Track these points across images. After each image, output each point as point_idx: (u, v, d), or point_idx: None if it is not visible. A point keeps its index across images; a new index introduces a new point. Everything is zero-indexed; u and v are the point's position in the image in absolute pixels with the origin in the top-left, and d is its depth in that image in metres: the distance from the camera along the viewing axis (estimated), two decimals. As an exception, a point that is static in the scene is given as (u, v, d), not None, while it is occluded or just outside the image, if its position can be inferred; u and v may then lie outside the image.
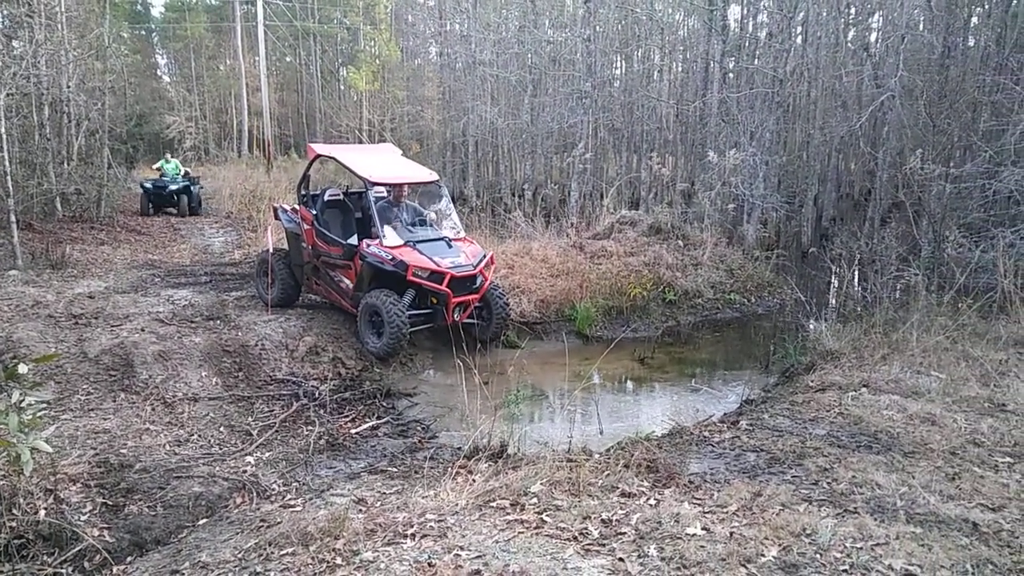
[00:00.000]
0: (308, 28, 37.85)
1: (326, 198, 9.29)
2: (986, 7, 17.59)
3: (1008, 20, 14.20)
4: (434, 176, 9.11)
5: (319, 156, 9.34)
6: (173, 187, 18.46)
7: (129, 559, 4.00)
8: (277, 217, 9.84)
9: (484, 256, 8.63)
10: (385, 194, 9.00)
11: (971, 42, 17.87)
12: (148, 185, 18.36)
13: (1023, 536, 3.45)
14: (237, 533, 4.11)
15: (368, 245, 8.21)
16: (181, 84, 38.89)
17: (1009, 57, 13.04)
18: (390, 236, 8.22)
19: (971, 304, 7.85)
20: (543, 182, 21.66)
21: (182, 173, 19.33)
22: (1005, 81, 11.78)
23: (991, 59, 14.03)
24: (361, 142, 33.38)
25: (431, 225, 9.01)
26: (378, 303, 7.87)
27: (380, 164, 9.03)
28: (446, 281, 8.01)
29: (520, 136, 22.88)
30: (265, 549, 3.63)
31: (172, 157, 20.18)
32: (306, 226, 9.03)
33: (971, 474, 4.28)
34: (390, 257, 7.99)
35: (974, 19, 18.19)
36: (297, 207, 9.40)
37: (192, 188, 18.98)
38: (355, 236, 9.13)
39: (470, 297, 8.39)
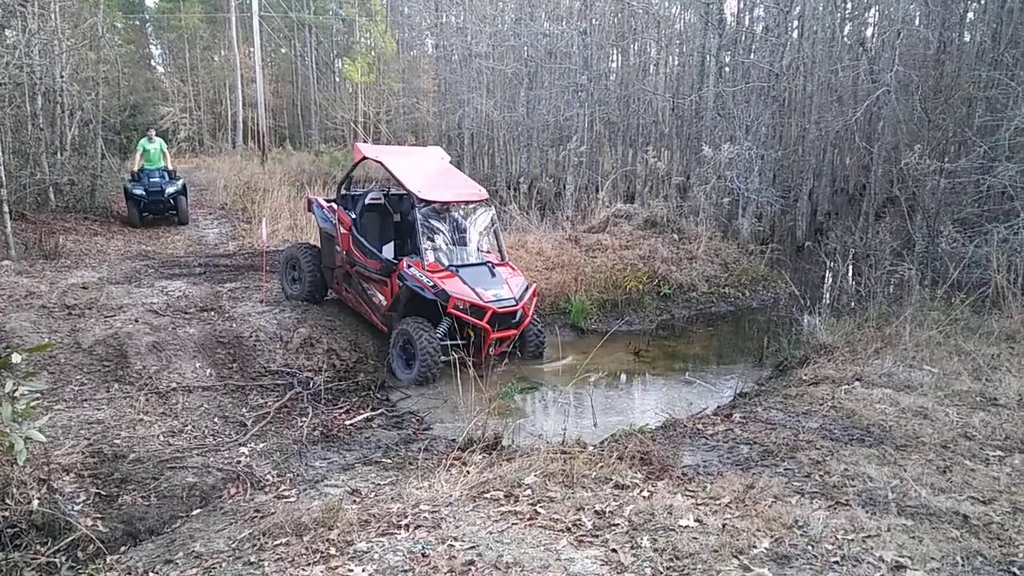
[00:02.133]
0: (303, 19, 37.71)
1: (367, 202, 8.73)
2: (982, 2, 17.60)
3: (1004, 16, 14.20)
4: (484, 195, 8.52)
5: (365, 158, 8.72)
6: (171, 189, 14.79)
7: (123, 549, 4.00)
8: (310, 209, 9.38)
9: (527, 288, 8.17)
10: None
11: (967, 37, 17.90)
12: (139, 192, 14.51)
13: (1012, 529, 3.48)
14: (231, 523, 4.11)
15: (408, 266, 7.77)
16: (175, 75, 38.68)
17: (1004, 52, 13.04)
18: (432, 258, 7.79)
19: (964, 299, 7.88)
20: (539, 175, 21.63)
21: (169, 163, 15.42)
22: (1000, 77, 11.79)
23: (987, 54, 14.04)
24: (356, 134, 33.31)
25: (473, 243, 8.42)
26: (412, 333, 7.44)
27: (429, 175, 8.49)
28: (487, 316, 7.57)
29: (516, 129, 22.87)
30: (259, 539, 3.63)
31: (157, 135, 15.87)
32: (343, 230, 8.50)
33: (962, 467, 4.31)
34: (431, 284, 7.54)
35: (970, 14, 18.20)
36: (333, 203, 8.97)
37: (179, 189, 15.16)
38: (392, 245, 8.81)
39: (509, 333, 7.96)
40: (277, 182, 18.39)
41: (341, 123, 34.07)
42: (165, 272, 10.75)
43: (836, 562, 3.18)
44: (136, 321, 7.81)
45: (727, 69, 18.35)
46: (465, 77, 24.22)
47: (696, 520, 3.61)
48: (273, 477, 5.04)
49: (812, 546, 3.32)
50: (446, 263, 7.78)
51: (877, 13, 22.12)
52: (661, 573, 3.11)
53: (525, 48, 22.46)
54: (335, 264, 8.75)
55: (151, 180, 14.76)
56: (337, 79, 40.31)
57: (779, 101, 16.80)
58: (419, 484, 4.41)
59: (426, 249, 7.79)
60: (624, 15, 24.34)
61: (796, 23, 19.27)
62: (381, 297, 8.17)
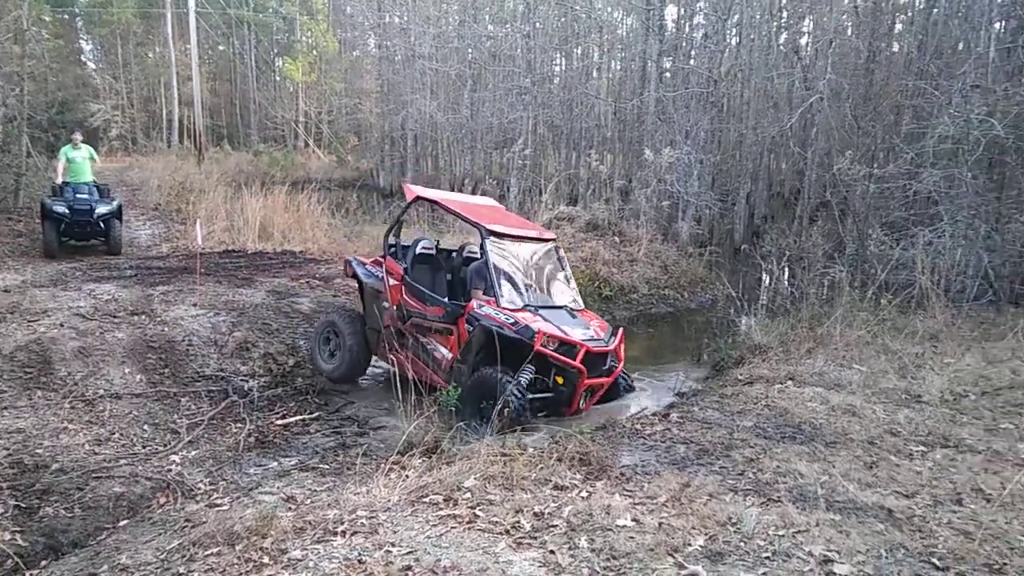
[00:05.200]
0: (242, 16, 36.89)
1: (417, 251, 7.69)
2: (909, 14, 18.34)
3: (929, 27, 14.82)
4: (552, 235, 7.83)
5: (419, 199, 7.77)
6: (102, 210, 11.76)
7: (43, 563, 3.84)
8: (351, 274, 8.16)
9: (615, 331, 7.02)
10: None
11: (895, 48, 18.62)
12: (61, 210, 11.38)
13: (933, 521, 3.61)
14: (160, 534, 3.99)
15: (480, 306, 6.63)
16: (107, 71, 37.42)
17: (930, 63, 13.61)
18: (509, 297, 6.65)
19: (891, 300, 8.18)
20: (483, 177, 21.63)
21: (92, 169, 12.52)
22: (925, 86, 12.28)
23: (913, 64, 14.64)
24: (297, 135, 32.81)
25: (547, 285, 7.44)
26: (490, 382, 6.15)
27: (491, 214, 7.74)
28: (580, 356, 6.27)
29: (460, 131, 22.84)
30: (189, 549, 3.53)
31: (83, 140, 12.69)
32: (392, 281, 7.41)
33: (887, 463, 4.46)
34: (512, 321, 6.34)
35: (898, 25, 18.96)
36: (366, 260, 8.03)
37: (114, 211, 12.08)
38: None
39: (602, 380, 6.62)
40: (214, 182, 17.91)
41: (281, 123, 33.52)
42: (93, 275, 10.36)
43: (767, 557, 3.24)
44: (61, 326, 7.51)
45: (667, 75, 18.66)
46: (408, 78, 24.10)
47: (633, 520, 3.64)
48: (205, 485, 4.92)
49: (744, 542, 3.38)
50: (522, 303, 6.67)
51: (811, 22, 22.82)
52: (598, 573, 3.13)
53: (469, 50, 22.48)
54: (383, 325, 7.52)
55: (77, 197, 11.69)
56: (277, 78, 39.63)
57: (718, 107, 17.20)
58: (357, 490, 4.35)
59: (501, 285, 6.68)
60: (567, 19, 24.54)
61: (734, 31, 19.79)
62: (444, 351, 6.96)
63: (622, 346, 6.92)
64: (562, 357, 6.23)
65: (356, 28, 34.69)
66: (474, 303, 6.65)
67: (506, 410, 5.81)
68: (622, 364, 6.87)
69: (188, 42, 27.97)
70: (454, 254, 8.14)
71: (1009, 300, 9.44)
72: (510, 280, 6.84)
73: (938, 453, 4.61)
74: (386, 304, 7.44)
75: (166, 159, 25.61)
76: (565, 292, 7.40)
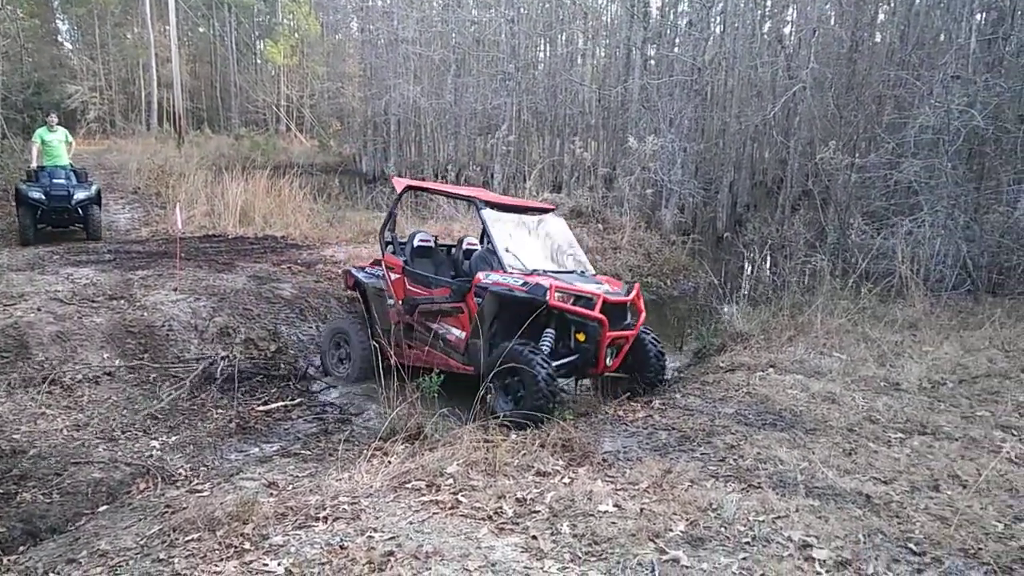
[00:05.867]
0: (223, -3, 36.41)
1: (416, 243, 7.59)
2: (891, 4, 18.41)
3: (911, 18, 14.90)
4: (550, 206, 7.62)
5: (410, 188, 7.72)
6: (80, 195, 11.40)
7: (21, 549, 3.80)
8: (352, 286, 7.95)
9: (631, 286, 6.77)
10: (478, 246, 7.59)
11: (878, 38, 18.70)
12: (37, 195, 10.97)
13: (910, 507, 3.65)
14: (139, 520, 3.97)
15: (487, 275, 6.37)
16: (84, 52, 36.77)
17: (911, 53, 13.68)
18: (514, 263, 6.38)
19: (871, 288, 8.26)
20: (466, 163, 21.56)
21: (69, 153, 12.16)
22: (907, 76, 12.35)
23: (895, 55, 14.71)
24: (278, 119, 32.49)
25: (555, 254, 7.14)
26: (513, 356, 5.72)
27: (483, 194, 7.60)
28: (598, 306, 5.97)
29: (443, 116, 22.71)
30: (169, 535, 3.51)
31: (59, 123, 12.33)
32: (394, 276, 7.26)
33: (866, 449, 4.51)
34: (521, 283, 6.07)
35: (881, 15, 19.02)
36: (364, 264, 7.98)
37: (92, 196, 11.74)
38: None
39: (626, 334, 6.34)
40: (194, 166, 17.69)
41: (263, 106, 33.15)
42: (71, 259, 10.22)
43: (747, 543, 3.27)
44: (39, 310, 7.39)
45: (652, 62, 18.66)
46: (391, 62, 23.89)
47: (615, 505, 3.67)
48: (186, 471, 4.89)
49: (725, 528, 3.41)
50: (530, 268, 6.39)
51: (795, 11, 22.87)
52: (580, 558, 3.15)
53: (453, 35, 22.33)
54: (390, 323, 7.32)
55: (54, 182, 11.27)
56: (259, 61, 39.17)
57: (701, 95, 17.20)
58: (339, 476, 4.35)
59: (505, 251, 6.45)
60: (552, 4, 24.43)
61: (718, 19, 19.78)
62: (456, 331, 6.72)
63: (640, 300, 6.68)
64: (580, 309, 5.97)
65: (339, 11, 34.31)
66: (480, 275, 6.41)
67: (537, 386, 5.50)
68: (643, 315, 6.58)
69: (167, 23, 27.56)
70: (454, 249, 7.99)
71: (987, 289, 9.55)
72: (513, 248, 6.60)
73: (916, 440, 4.66)
74: (391, 301, 7.30)
75: (145, 142, 25.27)
76: (573, 259, 7.15)
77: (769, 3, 22.34)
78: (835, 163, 11.07)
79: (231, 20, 37.91)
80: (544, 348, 5.90)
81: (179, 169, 17.52)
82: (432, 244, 7.81)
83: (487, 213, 6.71)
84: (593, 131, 24.39)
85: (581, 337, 6.11)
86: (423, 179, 20.35)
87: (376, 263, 7.75)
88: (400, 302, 7.17)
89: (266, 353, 7.69)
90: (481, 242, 7.67)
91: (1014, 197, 10.18)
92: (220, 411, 6.05)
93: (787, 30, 23.11)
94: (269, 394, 6.69)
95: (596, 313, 5.92)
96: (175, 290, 8.66)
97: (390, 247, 7.62)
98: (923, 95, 11.31)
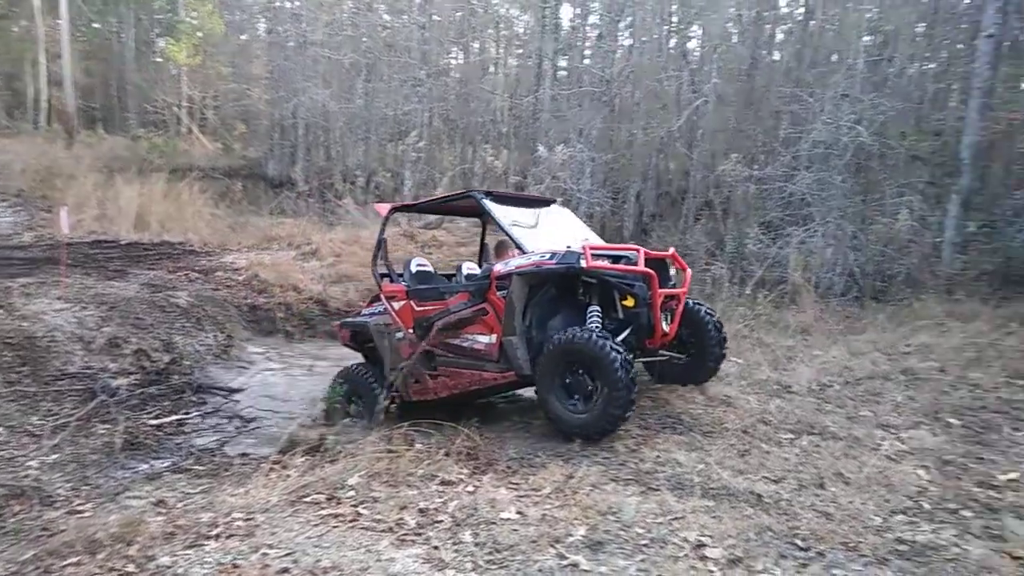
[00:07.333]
0: (120, -8, 34.74)
1: (414, 269, 7.01)
2: (789, 25, 19.34)
3: (806, 38, 15.69)
4: (551, 197, 7.32)
5: (396, 209, 7.19)
6: None
7: None
8: (349, 336, 7.25)
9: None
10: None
11: (776, 56, 19.57)
12: None
13: (798, 504, 3.82)
14: (12, 544, 3.75)
15: (506, 263, 5.81)
16: (-36, 44, 34.38)
17: (806, 71, 14.39)
18: (534, 245, 5.75)
19: (767, 295, 8.61)
20: (376, 169, 21.28)
21: None
22: (802, 93, 12.96)
23: (792, 73, 15.43)
24: (180, 120, 31.27)
25: (569, 238, 6.24)
26: (572, 346, 4.99)
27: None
28: (641, 259, 5.34)
29: (353, 121, 22.35)
30: (44, 560, 3.33)
31: None
32: (398, 304, 6.60)
33: (759, 450, 4.68)
34: (549, 256, 5.43)
35: (779, 35, 19.94)
36: (361, 307, 7.44)
37: None
38: None
39: (676, 291, 5.69)
40: (85, 168, 16.80)
41: (163, 107, 31.77)
42: (-56, 265, 9.52)
43: (645, 545, 3.34)
44: (-97, 320, 6.86)
45: (563, 73, 18.93)
46: (300, 65, 23.31)
47: (518, 512, 3.68)
48: (66, 491, 4.62)
49: (624, 531, 3.47)
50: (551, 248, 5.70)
51: (700, 28, 23.66)
52: (481, 567, 3.14)
53: (363, 39, 22.03)
54: (402, 359, 6.57)
55: None
56: (159, 60, 37.53)
57: (610, 106, 17.56)
58: (234, 491, 4.22)
59: (520, 235, 5.87)
60: (465, 12, 24.46)
61: (627, 32, 20.25)
62: (484, 338, 5.93)
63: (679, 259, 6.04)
64: (622, 266, 5.37)
65: (244, 11, 33.37)
66: (498, 266, 5.85)
67: (616, 375, 4.68)
68: (689, 273, 5.99)
69: (58, 17, 26.08)
70: (454, 277, 7.29)
71: (871, 296, 10.12)
72: (528, 229, 6.06)
73: (804, 440, 4.88)
74: (400, 334, 6.58)
75: (32, 141, 23.81)
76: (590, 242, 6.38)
77: (676, 19, 23.02)
78: (735, 175, 11.51)
79: (130, 16, 36.23)
80: (593, 321, 5.25)
81: (68, 170, 16.61)
82: (431, 270, 7.23)
83: (489, 203, 6.20)
84: (504, 139, 24.53)
85: (629, 302, 5.35)
86: (331, 182, 20.01)
87: (373, 301, 7.17)
88: (411, 330, 6.47)
89: (159, 365, 7.35)
90: (482, 242, 7.41)
91: (896, 209, 10.83)
92: (107, 426, 5.73)
93: (691, 46, 23.87)
94: (161, 407, 6.39)
95: (642, 268, 5.29)
96: (59, 299, 8.18)
97: (386, 279, 7.04)
98: (816, 112, 11.90)
